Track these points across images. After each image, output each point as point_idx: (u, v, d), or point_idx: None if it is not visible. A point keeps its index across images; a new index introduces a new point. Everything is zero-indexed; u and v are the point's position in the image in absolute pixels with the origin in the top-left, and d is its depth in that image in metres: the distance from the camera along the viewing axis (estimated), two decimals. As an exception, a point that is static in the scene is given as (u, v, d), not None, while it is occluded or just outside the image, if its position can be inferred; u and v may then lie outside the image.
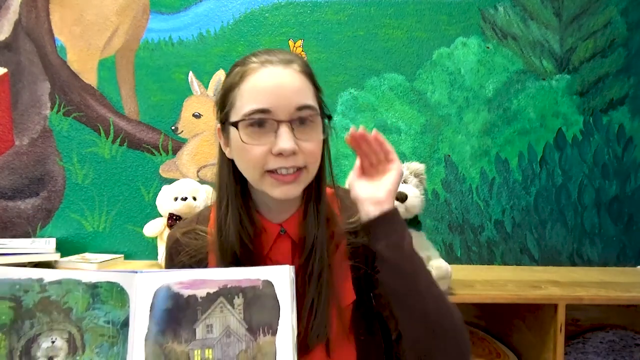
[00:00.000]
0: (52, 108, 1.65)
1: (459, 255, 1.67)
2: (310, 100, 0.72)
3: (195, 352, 0.62)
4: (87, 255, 1.60)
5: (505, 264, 1.68)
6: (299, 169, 0.71)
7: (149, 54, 1.66)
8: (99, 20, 1.66)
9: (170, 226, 1.50)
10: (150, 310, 0.63)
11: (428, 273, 0.78)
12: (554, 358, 1.18)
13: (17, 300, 0.60)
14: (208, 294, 0.64)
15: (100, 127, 1.66)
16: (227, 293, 0.64)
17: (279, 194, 0.71)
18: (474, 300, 1.22)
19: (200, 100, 1.66)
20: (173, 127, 1.66)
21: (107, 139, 1.66)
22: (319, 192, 0.79)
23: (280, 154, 0.69)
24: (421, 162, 1.31)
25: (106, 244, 1.66)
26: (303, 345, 0.72)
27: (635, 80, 1.68)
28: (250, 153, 0.70)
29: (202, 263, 0.79)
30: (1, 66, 1.64)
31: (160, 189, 1.57)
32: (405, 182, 1.24)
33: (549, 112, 1.68)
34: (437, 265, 1.17)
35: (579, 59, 1.68)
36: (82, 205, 1.66)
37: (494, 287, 1.29)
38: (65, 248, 1.59)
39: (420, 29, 1.67)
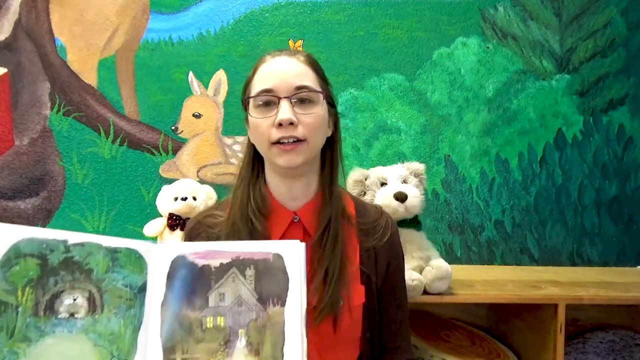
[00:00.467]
0: (52, 108, 1.65)
1: (459, 255, 1.67)
2: (310, 83, 0.81)
3: (208, 318, 0.65)
4: (87, 255, 1.59)
5: (505, 264, 1.68)
6: (299, 141, 0.79)
7: (149, 54, 1.66)
8: (99, 20, 1.66)
9: (170, 226, 1.49)
10: (167, 278, 0.67)
11: None
12: (554, 358, 1.18)
13: (43, 258, 0.64)
14: (221, 264, 0.68)
15: (100, 127, 1.66)
16: (239, 264, 0.68)
17: (283, 162, 0.80)
18: (474, 300, 1.21)
19: (200, 100, 1.66)
20: (173, 127, 1.66)
21: (107, 139, 1.66)
22: (330, 176, 0.87)
23: (280, 125, 0.78)
24: (421, 162, 1.31)
25: (106, 244, 1.66)
26: (313, 318, 0.78)
27: (635, 80, 1.68)
28: (259, 127, 0.81)
29: None
30: (1, 66, 1.64)
31: (160, 189, 1.57)
32: (405, 182, 1.24)
33: (549, 112, 1.68)
34: (437, 265, 1.17)
35: (579, 59, 1.68)
36: (82, 205, 1.66)
37: (494, 287, 1.29)
38: (65, 248, 1.59)
39: (420, 29, 1.67)
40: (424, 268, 1.18)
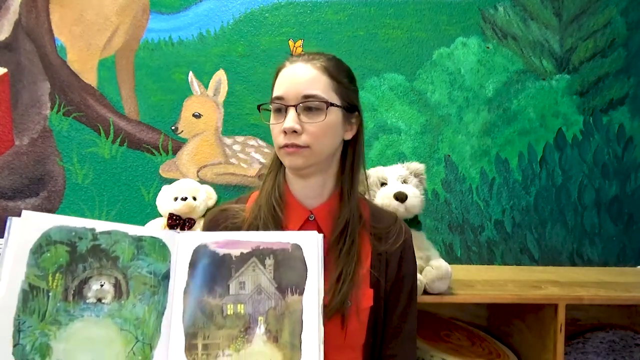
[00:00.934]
0: (52, 108, 1.65)
1: (459, 255, 1.67)
2: (319, 92, 0.83)
3: (229, 306, 0.68)
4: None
5: (505, 264, 1.67)
6: (301, 147, 0.82)
7: (149, 54, 1.66)
8: (99, 20, 1.66)
9: (170, 226, 1.49)
10: (190, 267, 0.70)
11: None
12: (554, 358, 1.18)
13: (72, 245, 0.67)
14: (242, 253, 0.71)
15: (100, 127, 1.66)
16: (259, 254, 0.71)
17: (288, 163, 0.86)
18: (474, 300, 1.21)
19: (200, 100, 1.66)
20: (173, 127, 1.66)
21: (107, 139, 1.66)
22: (351, 179, 0.89)
23: (284, 132, 0.82)
24: (421, 162, 1.31)
25: (106, 244, 1.66)
26: (324, 314, 0.79)
27: (635, 80, 1.68)
28: (273, 131, 0.87)
29: None
30: (1, 66, 1.64)
31: (160, 189, 1.57)
32: (405, 182, 1.24)
33: (549, 112, 1.68)
34: (437, 265, 1.17)
35: (579, 59, 1.68)
36: (82, 205, 1.66)
37: (494, 287, 1.29)
38: (65, 248, 1.59)
39: (420, 29, 1.67)
40: (424, 268, 1.18)
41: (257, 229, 0.83)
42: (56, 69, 1.66)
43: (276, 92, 0.85)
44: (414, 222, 1.25)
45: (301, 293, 0.69)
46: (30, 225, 0.66)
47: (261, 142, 1.66)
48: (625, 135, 1.68)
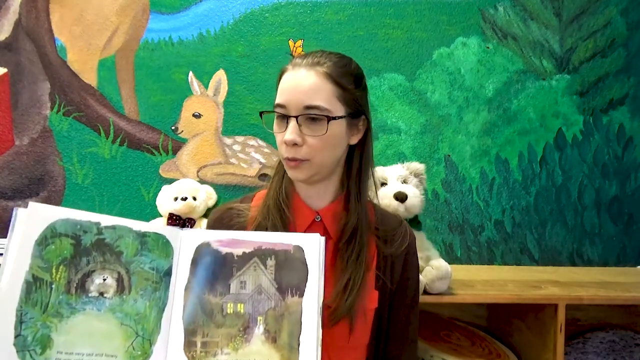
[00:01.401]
0: (52, 108, 1.65)
1: (459, 255, 1.67)
2: (321, 102, 0.80)
3: (229, 304, 0.68)
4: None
5: (505, 264, 1.67)
6: (302, 160, 0.81)
7: (149, 54, 1.66)
8: (99, 20, 1.66)
9: (170, 226, 1.50)
10: (192, 264, 0.70)
11: None
12: (554, 358, 1.18)
13: (77, 238, 0.68)
14: (244, 253, 0.71)
15: (100, 127, 1.66)
16: (261, 254, 0.71)
17: (291, 175, 0.85)
18: (474, 300, 1.22)
19: (200, 100, 1.66)
20: (173, 127, 1.66)
21: (107, 139, 1.66)
22: (358, 183, 0.88)
23: (285, 144, 0.81)
24: (421, 162, 1.31)
25: (106, 244, 1.65)
26: (329, 319, 0.80)
27: (635, 80, 1.68)
28: (277, 139, 0.85)
29: None
30: (1, 66, 1.64)
31: (160, 189, 1.57)
32: (405, 182, 1.24)
33: (549, 112, 1.68)
34: (437, 265, 1.17)
35: (579, 59, 1.68)
36: (82, 206, 1.65)
37: (494, 287, 1.29)
38: (65, 248, 1.59)
39: (420, 29, 1.67)
40: (424, 268, 1.18)
41: (266, 229, 0.83)
42: (56, 69, 1.66)
43: (279, 99, 0.83)
44: (414, 222, 1.25)
45: (301, 295, 0.69)
46: (36, 216, 0.66)
47: (261, 142, 1.66)
48: (625, 135, 1.68)
